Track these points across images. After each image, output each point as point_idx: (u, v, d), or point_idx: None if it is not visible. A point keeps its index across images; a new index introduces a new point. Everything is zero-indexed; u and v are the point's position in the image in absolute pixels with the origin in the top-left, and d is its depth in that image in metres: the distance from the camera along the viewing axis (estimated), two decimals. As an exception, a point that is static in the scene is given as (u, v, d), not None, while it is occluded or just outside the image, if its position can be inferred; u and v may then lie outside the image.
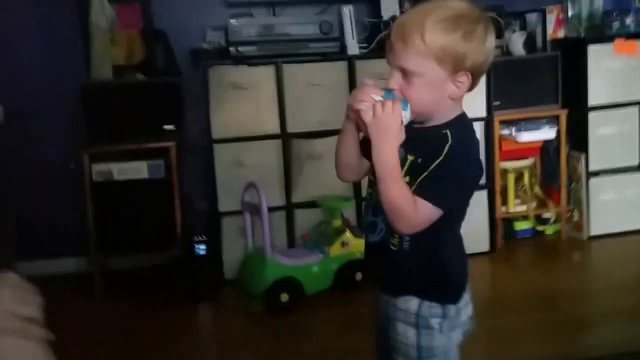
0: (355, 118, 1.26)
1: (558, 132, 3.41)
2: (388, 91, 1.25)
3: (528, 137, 3.34)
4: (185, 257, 3.03)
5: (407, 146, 1.26)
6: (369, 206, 1.35)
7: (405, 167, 1.26)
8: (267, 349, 2.55)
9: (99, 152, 3.03)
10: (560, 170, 3.48)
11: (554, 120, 3.41)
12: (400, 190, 1.22)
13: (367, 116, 1.23)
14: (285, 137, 3.14)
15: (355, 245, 2.93)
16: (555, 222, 3.57)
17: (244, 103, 3.09)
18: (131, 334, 2.68)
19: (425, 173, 1.23)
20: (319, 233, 3.06)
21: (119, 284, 3.16)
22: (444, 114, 1.28)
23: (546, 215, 3.57)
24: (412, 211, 1.21)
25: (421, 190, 1.22)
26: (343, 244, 2.93)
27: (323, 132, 3.15)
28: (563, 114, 3.39)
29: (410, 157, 1.27)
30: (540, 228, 3.57)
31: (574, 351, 2.40)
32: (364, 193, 3.21)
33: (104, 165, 3.02)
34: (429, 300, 1.32)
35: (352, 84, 3.13)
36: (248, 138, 3.10)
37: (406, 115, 1.24)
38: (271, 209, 2.91)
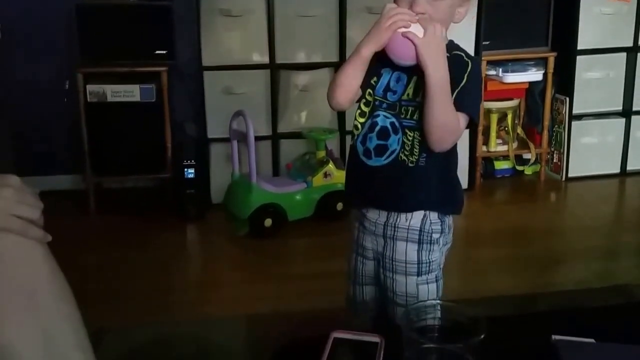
0: (384, 39, 1.27)
1: (545, 74, 3.43)
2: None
3: (514, 78, 3.37)
4: (175, 179, 3.14)
5: (415, 69, 1.29)
6: (372, 132, 1.37)
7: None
8: (249, 269, 2.67)
9: (93, 72, 3.08)
10: (544, 113, 3.52)
11: (542, 62, 3.42)
12: (452, 107, 1.28)
13: (420, 35, 1.25)
14: (274, 68, 3.16)
15: (337, 176, 3.01)
16: (535, 163, 3.64)
17: (234, 31, 3.11)
18: (122, 248, 2.81)
19: (458, 89, 1.29)
20: (303, 163, 3.14)
21: (112, 202, 3.28)
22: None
23: (526, 156, 3.64)
24: (458, 125, 1.30)
25: (458, 103, 1.29)
26: (326, 175, 3.01)
27: (311, 65, 3.19)
28: (551, 57, 3.41)
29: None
30: (519, 168, 3.65)
31: (545, 284, 2.49)
32: (347, 126, 3.29)
33: (97, 86, 3.07)
34: (439, 212, 1.40)
35: (343, 17, 3.14)
36: (237, 67, 3.13)
37: None
38: (258, 138, 2.98)
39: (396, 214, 1.40)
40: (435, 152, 1.32)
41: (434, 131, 1.29)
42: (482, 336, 0.87)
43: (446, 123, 1.28)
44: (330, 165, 3.02)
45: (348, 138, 3.22)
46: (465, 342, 0.88)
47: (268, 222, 2.90)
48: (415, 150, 1.34)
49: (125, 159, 3.21)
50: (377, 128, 1.36)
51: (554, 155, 3.64)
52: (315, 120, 3.21)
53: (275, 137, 3.25)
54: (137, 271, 2.59)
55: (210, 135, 3.19)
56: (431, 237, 1.40)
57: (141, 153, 3.21)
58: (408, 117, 1.34)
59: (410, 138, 1.34)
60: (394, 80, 1.36)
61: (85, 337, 0.91)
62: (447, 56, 1.28)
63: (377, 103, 1.37)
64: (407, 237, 1.40)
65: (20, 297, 0.85)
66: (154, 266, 2.64)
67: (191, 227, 3.10)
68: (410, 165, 1.35)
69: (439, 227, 1.41)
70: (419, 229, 1.40)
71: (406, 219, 1.40)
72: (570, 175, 3.58)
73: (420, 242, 1.40)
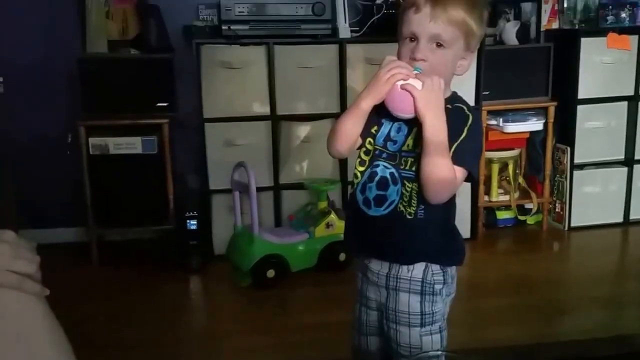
0: (383, 92, 1.28)
1: (545, 124, 3.44)
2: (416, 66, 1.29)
3: (515, 128, 3.38)
4: (177, 231, 3.13)
5: (416, 120, 1.29)
6: (371, 182, 1.37)
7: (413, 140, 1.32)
8: (252, 320, 2.65)
9: (95, 125, 3.10)
10: (545, 162, 3.52)
11: (542, 111, 3.43)
12: (449, 161, 1.28)
13: (418, 89, 1.26)
14: (275, 119, 3.18)
15: (339, 227, 3.00)
16: (537, 212, 3.63)
17: (235, 83, 3.13)
18: (124, 301, 2.80)
19: (457, 143, 1.29)
20: (305, 214, 3.13)
21: (114, 254, 3.28)
22: (446, 90, 1.34)
23: (528, 205, 3.63)
24: (454, 179, 1.30)
25: (456, 158, 1.29)
26: (328, 225, 3.00)
27: (312, 116, 3.21)
28: (552, 106, 3.42)
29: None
30: (522, 218, 3.63)
31: (548, 335, 2.46)
32: (349, 177, 3.29)
33: (100, 139, 3.09)
34: (440, 264, 1.40)
35: (343, 68, 3.17)
36: (238, 118, 3.15)
37: None
38: (259, 189, 2.98)
39: (397, 265, 1.41)
40: (435, 205, 1.32)
41: (429, 184, 1.29)
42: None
43: (442, 177, 1.28)
44: (332, 216, 3.02)
45: (350, 189, 3.24)
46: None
47: (271, 273, 2.89)
48: (413, 201, 1.34)
49: (128, 211, 3.20)
50: (377, 178, 1.36)
51: (556, 204, 3.62)
52: (316, 171, 3.21)
53: (277, 188, 3.25)
54: (139, 323, 2.59)
55: (212, 187, 3.19)
56: (433, 288, 1.40)
57: (143, 205, 3.20)
58: (407, 168, 1.35)
59: (409, 189, 1.35)
60: (395, 130, 1.36)
61: None
62: (449, 108, 1.29)
63: (377, 152, 1.37)
64: (409, 289, 1.40)
65: (18, 353, 0.85)
66: (156, 318, 2.63)
67: (194, 278, 3.08)
68: (408, 217, 1.35)
69: (441, 278, 1.41)
70: (421, 280, 1.40)
71: (408, 270, 1.40)
72: (572, 224, 3.57)
73: (422, 294, 1.40)
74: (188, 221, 3.08)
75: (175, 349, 2.40)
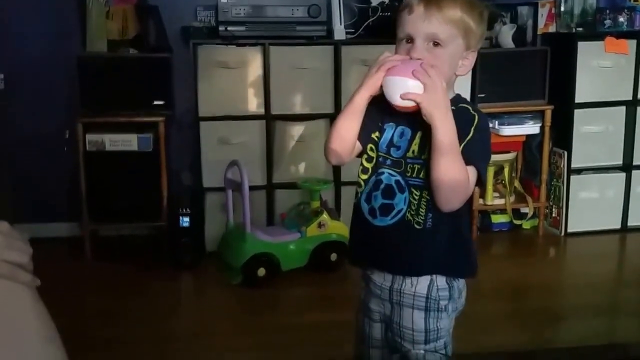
0: (377, 82, 1.25)
1: (542, 127, 3.42)
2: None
3: (511, 131, 3.35)
4: (170, 228, 3.15)
5: (419, 124, 1.25)
6: (376, 190, 1.33)
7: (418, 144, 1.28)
8: (241, 319, 2.66)
9: (92, 122, 3.14)
10: (542, 166, 3.49)
11: (539, 115, 3.41)
12: (461, 163, 1.23)
13: (420, 91, 1.21)
14: (269, 119, 3.20)
15: (331, 227, 3.00)
16: (533, 217, 3.59)
17: (230, 82, 3.16)
18: (115, 296, 2.82)
19: (465, 142, 1.24)
20: (297, 213, 3.13)
21: (108, 250, 3.31)
22: (449, 92, 1.30)
23: (524, 209, 3.59)
24: (467, 181, 1.24)
25: (465, 156, 1.24)
26: (320, 225, 3.00)
27: (307, 116, 3.23)
28: (548, 110, 3.39)
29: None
30: (517, 222, 3.59)
31: (542, 341, 2.44)
32: (343, 177, 3.30)
33: (97, 135, 3.13)
34: (448, 276, 1.35)
35: (338, 69, 3.19)
36: (233, 117, 3.17)
37: None
38: (252, 188, 2.99)
39: (401, 278, 1.36)
40: (445, 213, 1.27)
41: (441, 189, 1.24)
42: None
43: (454, 181, 1.23)
44: (325, 216, 3.01)
45: (343, 189, 3.28)
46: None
47: (261, 271, 2.89)
48: (421, 210, 1.30)
49: (122, 207, 3.23)
50: (382, 186, 1.33)
51: (553, 209, 3.59)
52: (310, 170, 3.22)
53: (270, 187, 3.27)
54: (130, 319, 2.60)
55: (205, 185, 3.21)
56: (438, 304, 1.35)
57: (137, 201, 3.23)
58: (414, 175, 1.31)
59: (417, 197, 1.30)
60: (398, 135, 1.33)
61: None
62: (453, 109, 1.24)
63: (380, 159, 1.34)
64: (413, 304, 1.36)
65: (7, 343, 0.85)
66: (147, 314, 2.64)
67: (185, 275, 3.10)
68: (416, 227, 1.30)
69: (447, 294, 1.36)
70: (425, 296, 1.35)
71: (412, 284, 1.35)
72: (569, 230, 3.52)
73: (427, 310, 1.35)
74: (181, 218, 3.10)
75: (165, 345, 2.40)
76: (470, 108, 1.31)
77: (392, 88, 1.23)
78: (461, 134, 1.24)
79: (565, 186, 3.49)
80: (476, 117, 1.29)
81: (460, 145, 1.24)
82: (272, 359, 2.30)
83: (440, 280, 1.35)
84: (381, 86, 1.26)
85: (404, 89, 1.22)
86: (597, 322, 2.61)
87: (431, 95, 1.21)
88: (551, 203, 3.59)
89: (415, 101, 1.21)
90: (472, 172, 1.26)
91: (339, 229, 3.01)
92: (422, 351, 1.36)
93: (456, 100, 1.31)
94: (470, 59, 1.33)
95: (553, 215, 3.59)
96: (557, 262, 3.45)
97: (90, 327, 2.48)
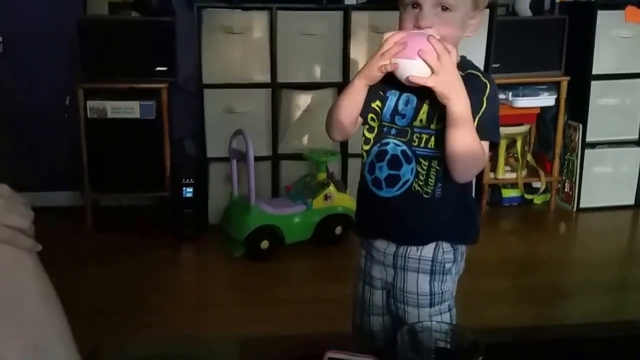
0: (375, 73, 1.22)
1: (557, 99, 3.32)
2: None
3: (525, 103, 3.26)
4: (173, 198, 3.10)
5: (426, 91, 1.21)
6: (381, 161, 1.30)
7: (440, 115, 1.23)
8: (243, 291, 2.64)
9: (94, 88, 3.05)
10: (556, 140, 3.40)
11: (554, 86, 3.31)
12: (475, 135, 1.21)
13: (427, 76, 1.17)
14: (275, 87, 3.11)
15: (338, 199, 2.95)
16: (544, 192, 3.52)
17: (236, 49, 3.06)
18: (117, 266, 2.78)
19: (480, 115, 1.21)
20: (303, 185, 3.07)
21: (109, 220, 3.25)
22: (456, 55, 1.25)
23: (536, 184, 3.52)
24: (484, 153, 1.23)
25: (481, 131, 1.22)
26: (326, 198, 2.94)
27: (314, 85, 3.13)
28: (564, 81, 3.29)
29: (440, 104, 1.23)
30: (528, 197, 3.53)
31: (550, 317, 2.42)
32: (350, 148, 3.24)
33: (98, 102, 3.04)
34: (454, 242, 1.34)
35: (347, 36, 3.08)
36: (238, 85, 3.08)
37: None
38: (257, 159, 2.93)
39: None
40: (453, 181, 1.26)
41: (459, 162, 1.22)
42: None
43: (471, 152, 1.21)
44: (331, 188, 2.95)
45: (350, 160, 3.19)
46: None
47: (265, 244, 2.85)
48: (430, 180, 1.27)
49: (124, 177, 3.17)
50: (387, 157, 1.29)
51: (565, 184, 3.51)
52: (316, 141, 3.14)
53: (276, 158, 3.19)
54: (131, 289, 2.56)
55: (209, 155, 3.14)
56: (444, 267, 1.34)
57: (140, 171, 3.17)
58: (422, 145, 1.27)
59: (425, 167, 1.27)
60: (403, 102, 1.28)
61: (74, 349, 0.90)
62: (461, 74, 1.19)
63: (385, 129, 1.29)
64: (418, 268, 1.34)
65: (9, 308, 0.84)
66: (148, 284, 2.61)
67: (187, 246, 3.06)
68: (425, 196, 1.28)
69: (452, 256, 1.35)
70: (431, 259, 1.33)
71: (417, 249, 1.34)
72: (581, 205, 3.46)
73: (432, 273, 1.34)
74: (184, 188, 3.04)
75: (165, 316, 2.38)
76: (480, 75, 1.26)
77: (400, 71, 1.18)
78: (474, 104, 1.20)
79: (579, 160, 3.41)
80: (487, 85, 1.24)
81: (474, 117, 1.21)
82: (274, 333, 2.25)
83: (446, 244, 1.34)
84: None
85: (412, 71, 1.17)
86: (606, 299, 2.58)
87: (442, 78, 1.16)
88: (564, 177, 3.51)
89: (426, 85, 1.17)
90: (486, 144, 1.24)
91: (345, 201, 2.95)
92: (427, 314, 1.35)
93: (463, 65, 1.24)
94: (478, 19, 1.28)
95: (565, 190, 3.52)
96: (567, 237, 3.40)
97: (89, 297, 2.45)
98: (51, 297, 0.90)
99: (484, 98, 1.23)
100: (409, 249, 1.34)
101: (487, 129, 1.23)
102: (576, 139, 3.41)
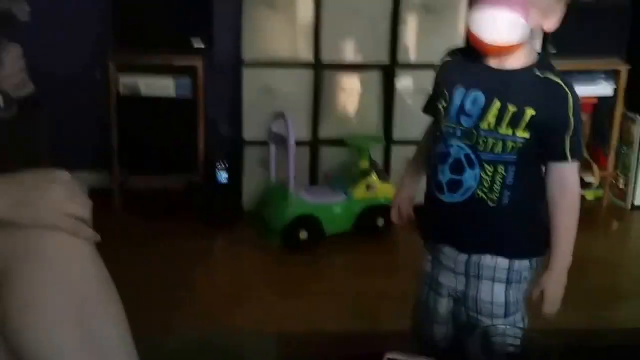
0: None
1: (616, 89, 3.15)
2: None
3: (582, 91, 3.02)
4: (206, 182, 2.98)
5: (496, 91, 1.17)
6: (443, 164, 1.27)
7: (522, 121, 1.21)
8: (280, 284, 2.57)
9: (126, 63, 2.91)
10: (612, 132, 3.23)
11: (613, 75, 3.13)
12: (576, 216, 1.31)
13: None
14: (319, 67, 2.96)
15: (380, 189, 2.82)
16: (598, 187, 3.35)
17: (279, 25, 2.92)
18: (146, 253, 2.67)
19: (570, 136, 1.21)
20: (344, 173, 2.95)
21: (138, 203, 3.12)
22: (529, 51, 1.20)
23: (588, 179, 3.34)
24: (578, 188, 1.31)
25: (571, 152, 1.22)
26: (368, 187, 2.82)
27: (359, 66, 2.99)
28: (624, 70, 3.11)
29: (512, 108, 1.18)
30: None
31: (602, 320, 2.36)
32: (395, 135, 3.13)
33: (131, 78, 2.91)
34: (521, 255, 1.31)
35: (397, 15, 2.92)
36: (279, 64, 2.94)
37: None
38: (296, 143, 2.79)
39: None
40: (521, 188, 1.22)
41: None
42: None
43: (575, 222, 1.31)
44: (374, 177, 2.83)
45: (395, 148, 3.05)
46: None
47: (303, 234, 2.74)
48: (496, 187, 1.21)
49: (155, 158, 3.05)
50: (450, 160, 1.24)
51: (620, 180, 3.36)
52: (360, 127, 3.01)
53: (316, 143, 3.05)
54: (160, 278, 2.46)
55: (246, 138, 3.00)
56: (521, 275, 1.30)
57: (171, 152, 3.05)
58: (488, 150, 1.20)
59: (490, 173, 1.21)
60: (470, 101, 1.21)
61: (131, 341, 0.91)
62: (539, 76, 1.16)
63: (450, 130, 1.23)
64: (494, 277, 1.29)
65: (70, 301, 0.84)
66: (178, 274, 2.51)
67: (220, 234, 2.93)
68: (491, 204, 1.22)
69: (529, 264, 1.31)
70: (507, 268, 1.28)
71: (492, 257, 1.28)
72: (636, 203, 3.29)
73: (509, 282, 1.29)
74: (218, 173, 2.92)
75: (196, 307, 2.30)
76: (561, 84, 1.20)
77: (481, 24, 1.14)
78: (558, 120, 1.17)
79: (637, 155, 3.25)
80: (569, 96, 1.19)
81: (563, 138, 1.20)
82: (310, 328, 2.17)
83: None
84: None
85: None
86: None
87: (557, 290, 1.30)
88: (619, 173, 3.35)
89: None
90: (577, 166, 1.26)
91: (388, 192, 2.80)
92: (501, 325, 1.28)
93: (540, 66, 1.19)
94: (562, 8, 1.24)
95: (620, 186, 3.36)
96: (620, 236, 3.27)
97: (116, 286, 2.33)
98: (109, 287, 0.91)
99: (570, 114, 1.18)
100: (482, 256, 1.28)
101: (576, 149, 1.23)
102: (634, 132, 3.24)
